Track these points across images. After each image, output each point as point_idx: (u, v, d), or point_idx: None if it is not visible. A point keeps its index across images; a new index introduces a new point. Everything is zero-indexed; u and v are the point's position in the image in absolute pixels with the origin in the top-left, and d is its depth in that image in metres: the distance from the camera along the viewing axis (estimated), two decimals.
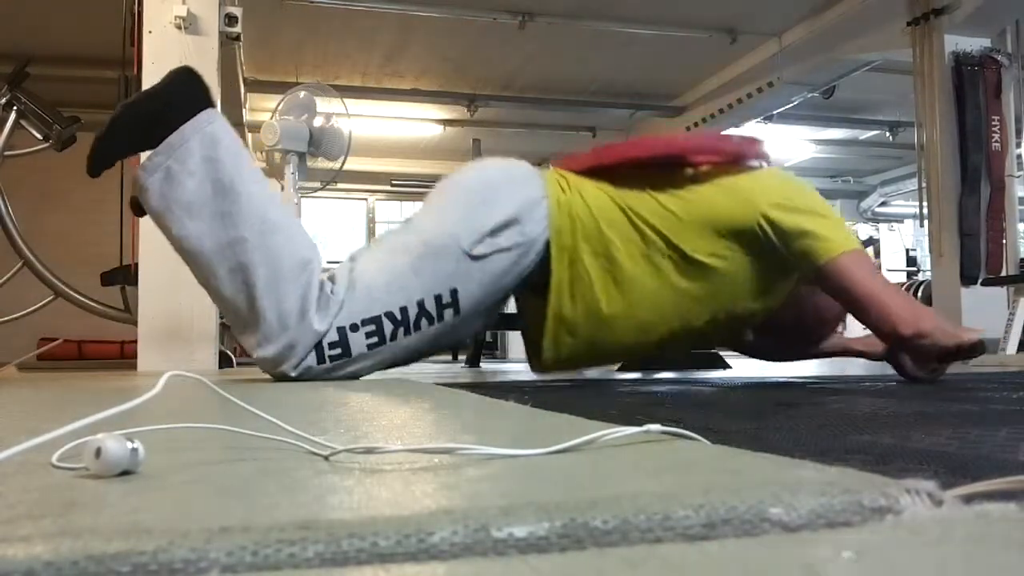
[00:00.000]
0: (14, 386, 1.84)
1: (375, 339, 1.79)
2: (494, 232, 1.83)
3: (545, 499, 0.35)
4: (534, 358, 2.04)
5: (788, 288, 2.00)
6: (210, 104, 1.82)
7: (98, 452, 0.44)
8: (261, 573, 0.27)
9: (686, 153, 1.98)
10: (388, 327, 1.79)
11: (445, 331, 1.86)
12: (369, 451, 0.52)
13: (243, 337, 1.83)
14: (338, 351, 1.77)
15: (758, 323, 2.14)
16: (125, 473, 0.45)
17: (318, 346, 1.76)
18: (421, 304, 1.80)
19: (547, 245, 1.87)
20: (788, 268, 1.90)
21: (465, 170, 2.05)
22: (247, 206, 1.74)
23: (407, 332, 1.81)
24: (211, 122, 1.78)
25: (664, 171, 1.97)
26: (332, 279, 1.80)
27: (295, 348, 1.74)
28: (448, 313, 1.82)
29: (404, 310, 1.80)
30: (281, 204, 1.88)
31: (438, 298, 1.81)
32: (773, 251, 1.85)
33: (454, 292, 1.82)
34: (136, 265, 3.24)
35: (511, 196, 1.88)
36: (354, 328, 1.77)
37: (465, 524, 0.30)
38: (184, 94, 1.80)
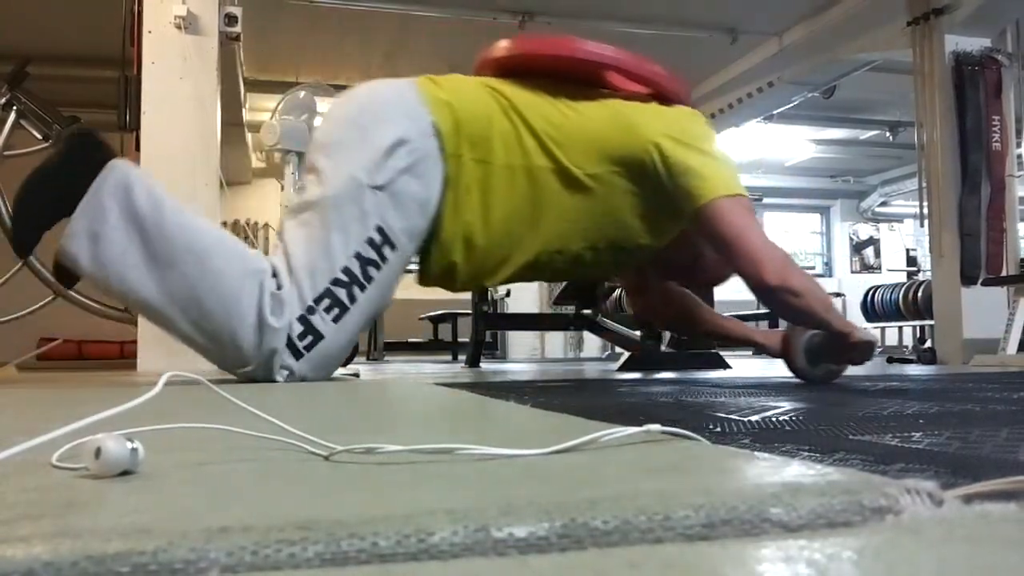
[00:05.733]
0: (14, 386, 1.84)
1: (336, 310, 1.78)
2: (387, 155, 1.79)
3: (545, 499, 0.35)
4: (420, 272, 2.00)
5: (674, 228, 1.98)
6: (111, 156, 1.79)
7: (98, 452, 0.44)
8: (261, 573, 0.27)
9: (616, 66, 1.94)
10: (341, 292, 1.78)
11: (396, 267, 1.84)
12: (369, 451, 0.52)
13: (223, 366, 1.81)
14: (309, 339, 1.76)
15: (642, 260, 2.12)
16: (125, 473, 0.45)
17: (290, 343, 1.75)
18: (359, 256, 1.79)
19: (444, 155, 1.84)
20: (673, 206, 1.86)
21: (333, 110, 1.99)
22: (178, 240, 1.72)
23: (362, 288, 1.79)
24: (117, 172, 1.75)
25: (571, 82, 1.94)
26: (275, 274, 1.78)
27: (274, 355, 1.74)
28: (387, 250, 1.81)
29: (347, 270, 1.78)
30: (209, 225, 1.84)
31: (370, 241, 1.79)
32: (659, 185, 1.83)
33: (380, 229, 1.80)
34: None
35: (389, 114, 1.85)
36: (311, 310, 1.76)
37: (465, 524, 0.30)
38: (82, 154, 1.78)
